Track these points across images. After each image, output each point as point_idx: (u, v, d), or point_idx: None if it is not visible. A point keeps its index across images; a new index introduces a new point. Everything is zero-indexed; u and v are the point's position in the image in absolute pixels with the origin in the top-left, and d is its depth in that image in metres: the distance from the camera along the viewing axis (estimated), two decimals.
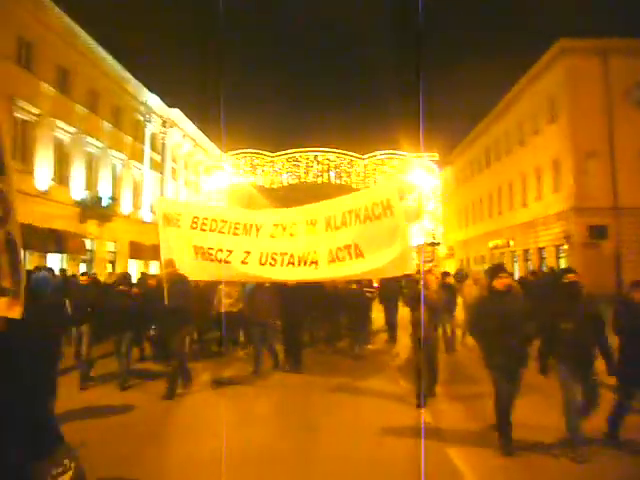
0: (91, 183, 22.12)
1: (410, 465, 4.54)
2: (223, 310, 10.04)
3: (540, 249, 25.57)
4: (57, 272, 12.36)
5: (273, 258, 7.03)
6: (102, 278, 16.52)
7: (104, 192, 22.74)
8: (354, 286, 10.37)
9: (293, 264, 6.92)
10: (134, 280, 11.17)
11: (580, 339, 4.58)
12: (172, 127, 31.63)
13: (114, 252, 24.11)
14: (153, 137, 29.47)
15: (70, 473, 1.61)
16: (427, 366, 6.64)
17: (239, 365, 9.32)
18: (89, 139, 21.66)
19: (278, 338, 9.94)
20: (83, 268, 19.79)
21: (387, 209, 6.55)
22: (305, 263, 6.85)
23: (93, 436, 5.23)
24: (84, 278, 8.81)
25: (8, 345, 1.75)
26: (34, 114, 17.76)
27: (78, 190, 20.80)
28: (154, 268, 25.10)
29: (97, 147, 22.41)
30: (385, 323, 12.46)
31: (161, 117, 30.18)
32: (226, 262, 7.22)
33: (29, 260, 17.16)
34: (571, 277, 4.83)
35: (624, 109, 21.49)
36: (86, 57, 21.53)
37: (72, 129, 20.17)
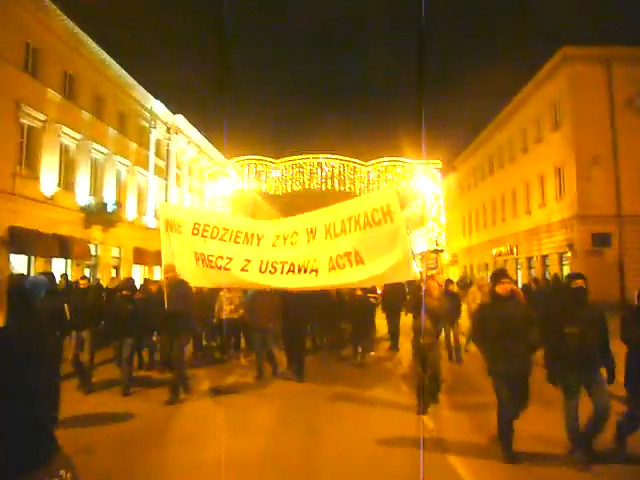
0: (96, 189, 22.25)
1: (411, 473, 4.51)
2: (224, 316, 10.08)
3: (543, 257, 25.48)
4: (58, 277, 12.37)
5: (273, 266, 7.00)
6: (105, 283, 16.65)
7: (109, 198, 22.86)
8: (359, 292, 10.32)
9: (293, 272, 6.89)
10: (137, 285, 11.21)
11: (585, 344, 4.55)
12: (177, 133, 31.82)
13: (118, 257, 24.21)
14: (158, 143, 29.66)
15: None
16: (430, 374, 6.62)
17: (241, 372, 9.31)
18: (94, 145, 21.81)
19: (278, 343, 9.95)
20: (87, 273, 19.85)
21: (387, 215, 6.48)
22: (305, 271, 6.82)
23: (94, 442, 5.24)
24: (84, 282, 8.83)
25: (1, 348, 1.71)
26: (40, 120, 17.92)
27: (83, 196, 20.92)
28: (158, 274, 25.17)
29: (102, 153, 22.56)
30: (388, 331, 12.44)
31: (166, 123, 30.39)
32: (226, 269, 7.21)
33: (35, 265, 17.31)
34: (579, 283, 4.81)
35: (627, 117, 21.48)
36: (92, 63, 21.75)
37: (78, 135, 20.32)
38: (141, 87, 26.31)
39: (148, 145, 28.12)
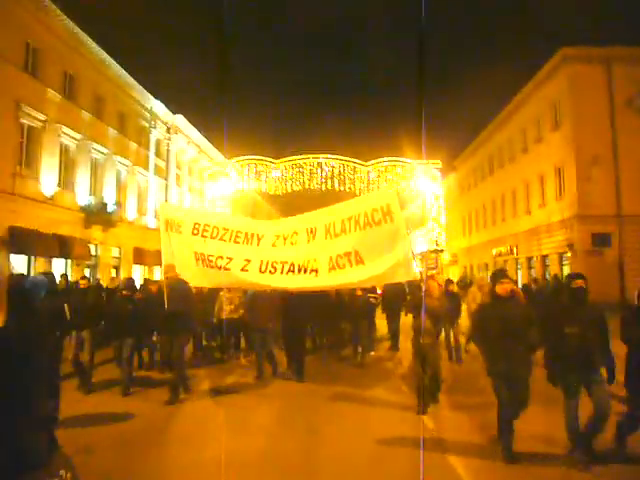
0: (96, 189, 22.25)
1: (411, 473, 4.51)
2: (224, 316, 10.08)
3: (543, 257, 25.49)
4: (58, 277, 12.36)
5: (273, 266, 7.00)
6: (105, 283, 16.65)
7: (109, 198, 22.85)
8: (359, 292, 10.32)
9: (293, 272, 6.88)
10: (137, 285, 11.21)
11: (585, 344, 4.54)
12: (176, 133, 31.81)
13: (118, 257, 24.20)
14: (158, 143, 29.65)
15: None
16: (430, 374, 6.62)
17: (241, 372, 9.32)
18: (94, 145, 21.80)
19: (278, 343, 9.95)
20: (87, 273, 19.85)
21: (387, 215, 6.48)
22: (305, 271, 6.82)
23: (94, 442, 5.24)
24: (84, 282, 8.83)
25: (1, 348, 1.71)
26: (40, 120, 17.91)
27: (83, 196, 20.92)
28: (158, 274, 25.16)
29: (102, 153, 22.56)
30: (388, 331, 12.44)
31: (166, 123, 30.38)
32: (226, 269, 7.20)
33: (35, 265, 17.32)
34: (579, 283, 4.81)
35: (627, 117, 21.49)
36: (92, 63, 21.75)
37: (78, 135, 20.32)
38: (141, 87, 26.29)
39: (148, 145, 28.11)
